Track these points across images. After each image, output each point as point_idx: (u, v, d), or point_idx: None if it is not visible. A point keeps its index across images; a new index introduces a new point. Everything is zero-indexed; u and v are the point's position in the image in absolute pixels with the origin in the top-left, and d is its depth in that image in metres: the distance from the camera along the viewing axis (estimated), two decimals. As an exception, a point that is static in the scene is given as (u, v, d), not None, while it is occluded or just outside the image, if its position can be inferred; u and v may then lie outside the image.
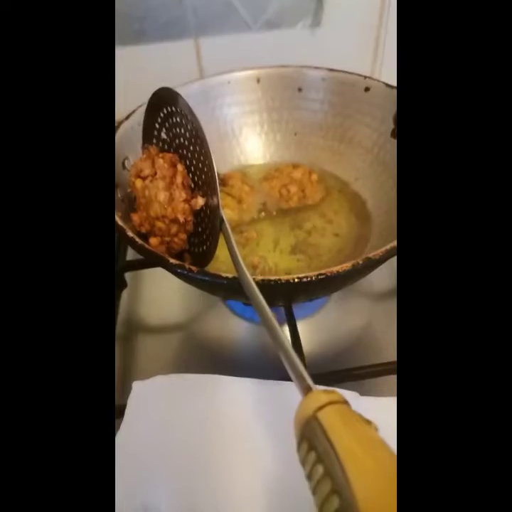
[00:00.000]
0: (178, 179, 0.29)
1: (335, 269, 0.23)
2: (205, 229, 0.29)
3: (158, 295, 0.43)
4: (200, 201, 0.29)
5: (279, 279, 0.23)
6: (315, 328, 0.38)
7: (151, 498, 0.22)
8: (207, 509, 0.21)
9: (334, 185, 0.41)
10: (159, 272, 0.37)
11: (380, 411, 0.25)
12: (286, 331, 0.35)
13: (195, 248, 0.30)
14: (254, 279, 0.23)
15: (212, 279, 0.24)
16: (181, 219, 0.28)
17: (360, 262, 0.23)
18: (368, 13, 0.50)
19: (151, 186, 0.29)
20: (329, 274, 0.23)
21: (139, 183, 0.30)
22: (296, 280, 0.23)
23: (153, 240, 0.29)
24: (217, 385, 0.26)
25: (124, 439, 0.24)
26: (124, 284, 0.41)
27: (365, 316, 0.38)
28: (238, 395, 0.25)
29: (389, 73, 0.52)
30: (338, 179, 0.41)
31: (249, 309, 0.39)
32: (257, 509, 0.21)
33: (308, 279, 0.23)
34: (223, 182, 0.41)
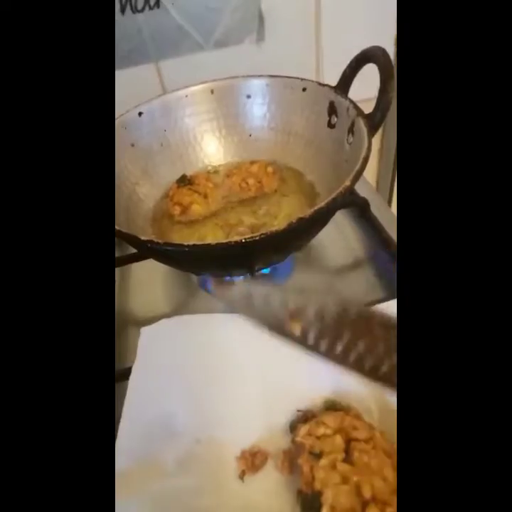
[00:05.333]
0: None
1: (273, 228, 0.28)
2: None
3: (144, 289, 0.48)
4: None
5: (230, 242, 0.28)
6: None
7: (170, 406, 0.28)
8: (213, 410, 0.29)
9: (288, 174, 0.47)
10: (144, 267, 0.43)
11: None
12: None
13: None
14: (210, 244, 0.29)
15: (176, 248, 0.29)
16: None
17: (294, 221, 0.29)
18: (305, 21, 0.57)
19: None
20: (269, 233, 0.28)
21: None
22: (243, 240, 0.28)
23: None
24: (213, 321, 0.33)
25: (140, 367, 0.30)
26: (111, 281, 0.46)
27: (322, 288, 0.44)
28: (229, 327, 0.32)
29: (331, 71, 0.59)
30: (291, 169, 0.47)
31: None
32: (251, 403, 0.29)
33: (253, 239, 0.28)
34: (190, 181, 0.46)
